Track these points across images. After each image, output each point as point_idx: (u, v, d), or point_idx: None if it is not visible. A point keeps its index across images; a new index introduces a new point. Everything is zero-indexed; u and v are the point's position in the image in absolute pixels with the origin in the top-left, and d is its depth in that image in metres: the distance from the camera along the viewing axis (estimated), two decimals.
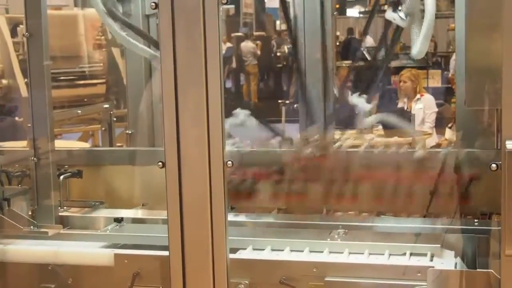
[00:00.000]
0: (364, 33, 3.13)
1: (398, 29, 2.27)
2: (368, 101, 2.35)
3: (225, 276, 2.10)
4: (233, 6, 24.52)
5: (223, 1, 1.91)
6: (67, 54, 8.99)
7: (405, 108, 8.15)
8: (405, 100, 8.19)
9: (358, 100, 2.37)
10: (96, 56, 9.16)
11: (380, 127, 7.70)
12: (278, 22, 18.31)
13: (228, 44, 22.25)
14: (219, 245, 2.08)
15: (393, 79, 10.64)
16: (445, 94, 10.39)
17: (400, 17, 2.24)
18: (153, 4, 1.98)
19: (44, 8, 2.86)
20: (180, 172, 2.00)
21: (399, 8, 2.25)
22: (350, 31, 16.58)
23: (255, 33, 18.20)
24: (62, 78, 8.80)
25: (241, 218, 2.69)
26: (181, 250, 2.11)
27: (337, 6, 15.80)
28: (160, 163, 2.03)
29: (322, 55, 3.38)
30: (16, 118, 7.98)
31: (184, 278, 2.12)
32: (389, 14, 2.26)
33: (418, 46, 2.24)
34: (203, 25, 1.90)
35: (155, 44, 2.58)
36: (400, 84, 8.29)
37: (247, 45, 16.92)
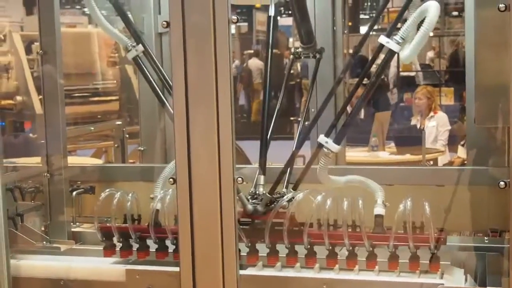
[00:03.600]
0: (356, 51, 3.15)
1: (391, 53, 2.28)
2: (337, 142, 2.35)
3: None
4: (246, 24, 24.67)
5: (233, 20, 1.94)
6: (81, 71, 9.07)
7: (418, 125, 8.17)
8: (418, 117, 8.21)
9: (325, 140, 2.35)
10: (110, 73, 9.23)
11: (393, 144, 7.72)
12: (291, 40, 18.42)
13: (236, 62, 22.34)
14: (230, 261, 2.10)
15: (406, 97, 10.67)
16: (458, 112, 10.39)
17: (395, 41, 2.26)
18: (165, 22, 2.02)
19: (57, 26, 2.90)
20: (191, 188, 2.03)
21: (394, 33, 2.27)
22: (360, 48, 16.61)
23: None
24: (76, 95, 8.87)
25: None
26: (191, 266, 2.12)
27: (350, 23, 15.86)
28: (171, 180, 2.06)
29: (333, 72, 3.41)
30: (30, 135, 8.05)
31: None
32: (383, 39, 2.27)
33: (409, 51, 2.24)
34: (213, 44, 1.93)
35: (137, 37, 2.61)
36: (416, 101, 8.31)
37: (255, 62, 16.99)
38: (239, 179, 2.01)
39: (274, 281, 2.32)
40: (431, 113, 8.08)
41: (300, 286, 2.30)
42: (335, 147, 2.33)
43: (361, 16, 20.21)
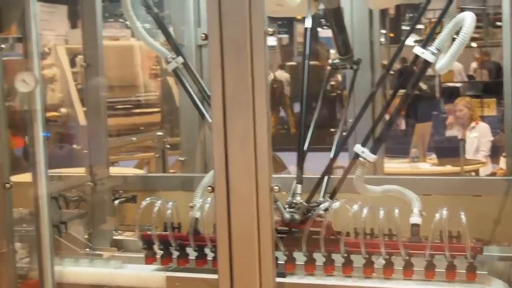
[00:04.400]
0: (390, 63, 3.16)
1: (426, 63, 2.30)
2: (374, 152, 2.37)
3: None
4: (287, 35, 24.72)
5: (269, 32, 1.98)
6: (124, 84, 9.21)
7: (459, 136, 8.12)
8: (460, 128, 8.16)
9: (362, 150, 2.38)
10: (152, 85, 9.35)
11: (434, 155, 7.69)
12: (332, 51, 18.40)
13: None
14: (267, 269, 2.13)
15: (447, 108, 10.59)
16: (500, 123, 10.29)
17: (430, 51, 2.28)
18: (203, 35, 2.07)
19: (100, 39, 2.98)
20: (229, 196, 2.07)
21: (430, 43, 2.29)
22: (404, 60, 16.57)
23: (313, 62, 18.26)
24: (119, 107, 9.01)
25: None
26: (229, 274, 2.16)
27: (391, 35, 15.80)
28: (210, 188, 2.11)
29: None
30: (74, 146, 8.19)
31: None
32: (418, 49, 2.29)
33: (444, 61, 2.26)
34: (250, 55, 1.98)
35: (176, 49, 2.67)
36: (456, 113, 8.27)
37: (282, 75, 17.04)
38: (276, 187, 2.05)
39: None
40: (473, 124, 8.03)
41: None
42: (371, 157, 2.36)
43: (403, 28, 20.12)
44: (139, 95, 9.47)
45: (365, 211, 2.31)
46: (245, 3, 1.99)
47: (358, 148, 2.37)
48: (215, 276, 2.21)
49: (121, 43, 10.67)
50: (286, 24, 23.05)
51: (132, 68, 9.40)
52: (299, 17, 3.18)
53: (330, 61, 2.99)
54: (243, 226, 2.11)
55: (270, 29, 1.99)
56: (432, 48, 2.29)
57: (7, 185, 2.42)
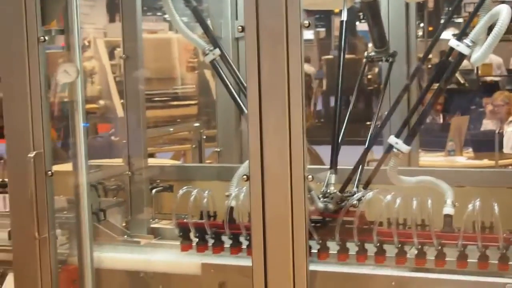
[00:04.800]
0: (424, 56, 3.16)
1: (461, 56, 2.31)
2: (407, 143, 2.39)
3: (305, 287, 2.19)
4: (324, 29, 24.62)
5: (305, 25, 2.02)
6: (161, 76, 9.30)
7: (497, 130, 8.06)
8: (497, 122, 8.10)
9: (395, 141, 2.41)
10: (189, 78, 9.43)
11: (471, 149, 7.64)
12: (370, 45, 18.28)
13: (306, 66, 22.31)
14: (300, 257, 2.18)
15: (485, 102, 10.50)
16: None
17: (466, 44, 2.29)
18: (240, 27, 2.12)
19: (140, 31, 3.04)
20: (263, 185, 2.12)
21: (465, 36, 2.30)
22: (443, 54, 16.45)
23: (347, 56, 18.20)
24: (156, 99, 9.11)
25: None
26: (263, 261, 2.21)
27: (430, 28, 15.67)
28: (245, 177, 2.16)
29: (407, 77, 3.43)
30: (112, 138, 8.31)
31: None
32: (453, 42, 2.31)
33: (480, 53, 2.27)
34: (286, 47, 2.02)
35: (214, 41, 2.70)
36: (494, 107, 8.21)
37: (309, 69, 17.04)
38: (310, 177, 2.09)
39: (344, 277, 2.39)
40: (511, 118, 7.97)
41: (369, 283, 2.36)
42: (404, 148, 2.39)
43: (443, 21, 19.97)
44: (177, 87, 9.55)
45: (398, 201, 2.34)
46: None
47: (392, 139, 2.40)
48: (249, 264, 2.26)
49: (159, 36, 10.77)
50: (324, 17, 22.98)
51: (170, 61, 9.48)
52: (336, 10, 3.20)
53: (365, 53, 3.01)
54: (277, 214, 2.16)
55: (306, 22, 2.02)
56: (467, 40, 2.31)
57: (49, 172, 2.49)
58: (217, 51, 2.68)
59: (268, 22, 2.04)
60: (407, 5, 3.47)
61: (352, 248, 2.42)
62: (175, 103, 9.39)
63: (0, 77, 2.54)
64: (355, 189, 2.54)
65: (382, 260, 2.39)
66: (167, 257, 2.69)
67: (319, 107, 17.84)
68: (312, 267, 2.25)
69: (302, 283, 2.20)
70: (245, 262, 2.38)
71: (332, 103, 16.45)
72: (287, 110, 2.07)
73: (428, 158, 6.91)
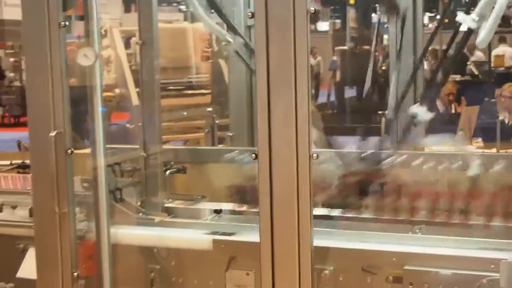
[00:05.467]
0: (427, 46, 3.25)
1: (468, 31, 2.41)
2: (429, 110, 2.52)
3: (309, 262, 2.31)
4: (339, 20, 24.63)
5: (311, 11, 2.14)
6: (176, 65, 9.42)
7: (507, 121, 8.12)
8: (506, 114, 8.15)
9: (418, 110, 2.54)
10: (203, 67, 9.55)
11: (480, 139, 7.71)
12: (386, 37, 18.28)
13: (333, 58, 22.42)
14: (305, 233, 2.30)
15: (496, 93, 10.56)
16: None
17: (471, 19, 2.39)
18: (250, 13, 2.24)
19: (155, 20, 3.16)
20: (271, 164, 2.24)
21: (471, 10, 2.40)
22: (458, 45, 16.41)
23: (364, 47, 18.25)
24: (171, 88, 9.24)
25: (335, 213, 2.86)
26: (270, 237, 2.34)
27: (446, 20, 15.70)
28: (253, 155, 2.28)
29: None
30: (127, 125, 8.44)
31: (272, 262, 2.35)
32: (461, 17, 2.41)
33: (482, 35, 2.38)
34: (293, 32, 2.14)
35: (232, 29, 2.80)
36: (502, 98, 8.26)
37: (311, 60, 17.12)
38: (314, 155, 2.21)
39: (347, 253, 2.50)
40: None
41: (371, 258, 2.48)
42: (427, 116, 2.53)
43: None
44: (191, 76, 9.68)
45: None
46: None
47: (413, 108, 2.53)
48: (257, 239, 2.38)
49: (175, 26, 10.88)
50: (339, 9, 23.00)
51: (185, 50, 9.60)
52: (352, 1, 3.30)
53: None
54: (283, 192, 2.28)
55: (312, 8, 2.14)
56: (473, 15, 2.41)
57: (68, 151, 2.62)
58: (239, 39, 2.79)
59: (276, 8, 2.16)
60: None
61: None
62: (190, 91, 9.52)
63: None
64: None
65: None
66: (180, 234, 2.81)
67: (332, 98, 17.92)
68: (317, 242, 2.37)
69: (306, 258, 2.31)
70: (253, 238, 2.50)
71: (347, 94, 16.57)
72: (294, 93, 2.19)
73: (436, 147, 6.98)
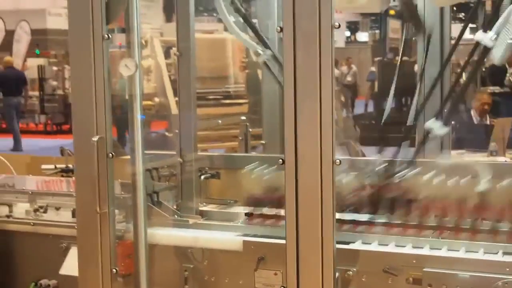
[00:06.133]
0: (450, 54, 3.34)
1: (485, 50, 2.51)
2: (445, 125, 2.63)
3: (331, 263, 2.44)
4: (378, 31, 24.59)
5: (335, 26, 2.28)
6: (215, 75, 9.61)
7: None
8: None
9: (433, 125, 2.66)
10: (241, 76, 9.72)
11: None
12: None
13: (372, 69, 22.42)
14: (328, 236, 2.43)
15: None
16: None
17: (489, 38, 2.50)
18: (279, 28, 2.39)
19: (192, 31, 3.33)
20: (297, 169, 2.39)
21: (488, 29, 2.50)
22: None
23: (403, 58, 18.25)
24: (210, 97, 9.43)
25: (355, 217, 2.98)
26: (295, 239, 2.47)
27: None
28: (280, 160, 2.43)
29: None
30: (166, 133, 8.64)
31: (297, 263, 2.48)
32: (479, 36, 2.51)
33: (500, 53, 2.47)
34: (318, 46, 2.29)
35: (263, 41, 2.97)
36: None
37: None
38: (337, 160, 2.35)
39: (369, 255, 2.63)
40: None
41: (392, 260, 2.60)
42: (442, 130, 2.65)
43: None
44: (229, 86, 9.86)
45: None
46: None
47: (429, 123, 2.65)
48: (283, 242, 2.52)
49: (214, 36, 11.07)
50: (379, 19, 23.01)
51: (224, 60, 9.78)
52: (392, 11, 3.42)
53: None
54: (308, 196, 2.41)
55: (337, 23, 2.28)
56: (491, 34, 2.50)
57: (109, 154, 2.80)
58: (269, 51, 2.95)
59: (303, 22, 2.31)
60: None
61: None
62: (228, 101, 9.69)
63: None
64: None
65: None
66: (213, 235, 2.97)
67: (370, 108, 17.95)
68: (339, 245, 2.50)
69: (329, 259, 2.44)
70: (280, 240, 2.64)
71: (383, 106, 16.58)
72: (319, 103, 2.34)
73: (470, 158, 7.04)
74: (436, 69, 3.38)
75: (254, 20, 3.56)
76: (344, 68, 23.68)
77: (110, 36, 2.75)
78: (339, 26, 2.28)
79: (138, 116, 2.89)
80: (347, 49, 28.99)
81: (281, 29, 2.37)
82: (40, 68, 21.35)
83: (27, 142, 16.79)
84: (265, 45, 2.97)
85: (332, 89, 2.31)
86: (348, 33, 35.12)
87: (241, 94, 9.54)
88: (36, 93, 20.60)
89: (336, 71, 20.23)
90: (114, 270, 2.82)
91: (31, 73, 21.06)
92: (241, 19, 3.15)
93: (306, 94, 2.35)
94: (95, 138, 2.76)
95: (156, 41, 9.78)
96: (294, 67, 2.35)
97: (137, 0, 2.83)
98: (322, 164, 2.35)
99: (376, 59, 20.74)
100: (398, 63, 3.29)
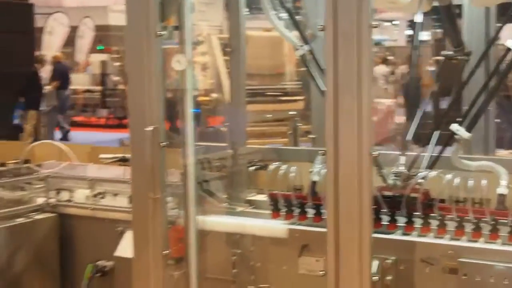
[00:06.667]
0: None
1: None
2: (468, 130, 2.73)
3: (368, 251, 2.55)
4: (441, 30, 24.27)
5: (373, 25, 2.40)
6: (272, 72, 9.75)
7: None
8: None
9: (459, 127, 2.75)
10: (296, 74, 9.84)
11: None
12: None
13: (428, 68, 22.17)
14: (366, 225, 2.55)
15: None
16: None
17: None
18: (320, 26, 2.53)
19: (243, 27, 3.49)
20: (337, 160, 2.52)
21: None
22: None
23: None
24: (268, 94, 9.58)
25: None
26: (334, 227, 2.59)
27: None
28: (322, 151, 2.57)
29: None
30: (222, 129, 8.83)
31: (337, 250, 2.60)
32: (510, 42, 2.61)
33: None
34: (356, 45, 2.42)
35: (303, 37, 3.15)
36: None
37: (380, 69, 17.26)
38: (375, 153, 2.47)
39: (408, 245, 2.75)
40: None
41: (429, 250, 2.71)
42: (465, 134, 2.73)
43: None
44: (285, 83, 9.98)
45: (456, 180, 2.69)
46: None
47: (454, 126, 2.74)
48: (325, 230, 2.65)
49: (272, 34, 11.19)
50: (440, 18, 22.70)
51: (281, 58, 9.91)
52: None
53: (443, 52, 3.33)
54: (348, 186, 2.54)
55: (374, 23, 2.41)
56: None
57: (161, 144, 2.97)
58: (307, 46, 3.11)
59: (343, 22, 2.44)
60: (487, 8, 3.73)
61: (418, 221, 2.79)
62: (284, 98, 9.82)
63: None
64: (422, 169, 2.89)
65: (442, 232, 2.74)
66: (260, 222, 3.12)
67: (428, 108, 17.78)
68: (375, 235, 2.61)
69: (366, 247, 2.56)
70: (323, 228, 2.76)
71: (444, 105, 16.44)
72: (357, 98, 2.47)
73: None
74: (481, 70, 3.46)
75: (303, 18, 3.71)
76: (404, 67, 23.51)
77: (164, 33, 2.92)
78: (377, 26, 2.40)
79: (189, 109, 3.05)
80: (408, 47, 28.66)
81: (323, 28, 2.50)
82: (103, 64, 21.87)
83: (85, 135, 17.41)
84: (305, 41, 3.11)
85: (369, 84, 2.44)
86: (410, 32, 34.84)
87: (297, 91, 9.65)
88: (99, 87, 21.11)
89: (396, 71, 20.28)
90: (165, 252, 3.00)
91: (94, 69, 21.55)
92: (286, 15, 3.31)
93: (345, 90, 2.47)
94: (149, 128, 2.93)
95: (214, 38, 9.94)
96: (334, 63, 2.48)
97: None
98: (361, 156, 2.47)
99: (433, 58, 20.53)
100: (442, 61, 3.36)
